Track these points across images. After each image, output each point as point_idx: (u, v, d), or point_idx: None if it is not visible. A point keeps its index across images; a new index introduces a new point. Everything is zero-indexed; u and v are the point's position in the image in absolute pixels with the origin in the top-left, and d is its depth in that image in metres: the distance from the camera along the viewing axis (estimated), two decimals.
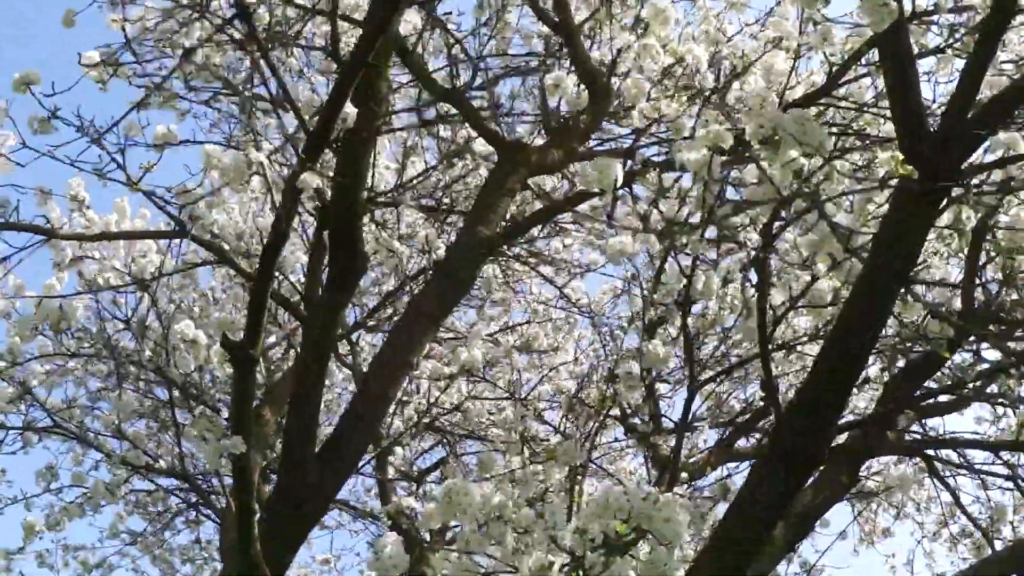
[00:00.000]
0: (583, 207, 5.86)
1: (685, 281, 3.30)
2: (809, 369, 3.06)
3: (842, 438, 5.06)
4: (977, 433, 6.09)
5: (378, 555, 2.47)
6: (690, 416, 4.09)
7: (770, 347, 3.01)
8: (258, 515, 3.62)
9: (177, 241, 4.68)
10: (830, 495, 4.57)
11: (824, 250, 2.90)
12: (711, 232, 2.97)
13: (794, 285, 3.34)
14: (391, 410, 7.08)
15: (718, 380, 5.16)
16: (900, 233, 2.82)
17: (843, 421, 3.96)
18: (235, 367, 3.31)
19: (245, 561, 3.51)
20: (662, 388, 5.63)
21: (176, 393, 6.08)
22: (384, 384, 4.27)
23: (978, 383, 5.42)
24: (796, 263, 3.23)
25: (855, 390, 4.52)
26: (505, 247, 6.32)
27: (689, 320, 3.49)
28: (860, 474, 6.40)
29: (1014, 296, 4.69)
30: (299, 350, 4.36)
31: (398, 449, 6.86)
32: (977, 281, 4.49)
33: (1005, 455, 5.78)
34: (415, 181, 6.19)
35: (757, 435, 5.75)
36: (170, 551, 8.66)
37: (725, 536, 2.94)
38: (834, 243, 2.77)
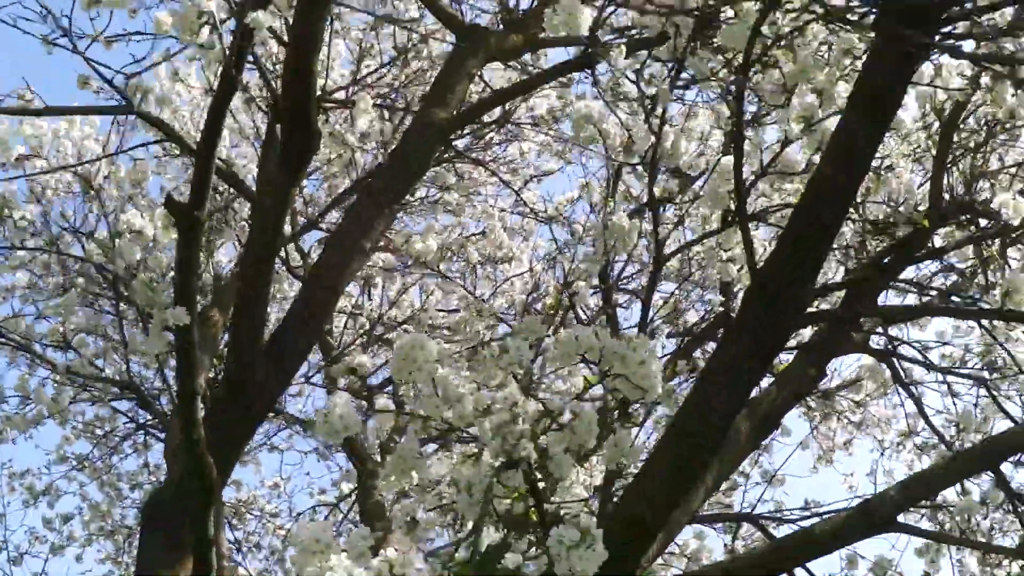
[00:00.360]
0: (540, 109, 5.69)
1: (653, 140, 3.10)
2: (777, 239, 2.88)
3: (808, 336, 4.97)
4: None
5: (327, 416, 2.29)
6: (649, 317, 3.94)
7: (744, 205, 2.81)
8: (203, 411, 3.47)
9: (123, 119, 4.50)
10: (796, 391, 4.45)
11: (804, 80, 2.73)
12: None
13: (765, 155, 3.17)
14: (342, 324, 6.91)
15: (685, 255, 5.00)
16: (876, 89, 2.65)
17: (810, 311, 3.82)
18: (180, 232, 3.11)
19: (189, 451, 3.33)
20: (620, 298, 5.48)
21: (122, 289, 5.85)
22: (335, 270, 4.09)
23: (944, 286, 5.36)
24: (774, 101, 3.03)
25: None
26: (462, 150, 6.15)
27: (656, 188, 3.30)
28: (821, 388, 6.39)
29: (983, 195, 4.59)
30: (247, 246, 4.17)
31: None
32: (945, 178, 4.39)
33: (973, 360, 5.73)
34: (370, 78, 5.97)
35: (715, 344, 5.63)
36: (118, 476, 8.49)
37: (682, 426, 2.75)
38: (818, 74, 2.59)
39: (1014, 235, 3.34)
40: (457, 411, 2.30)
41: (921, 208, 4.34)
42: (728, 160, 3.24)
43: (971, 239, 3.92)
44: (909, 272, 5.08)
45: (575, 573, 1.81)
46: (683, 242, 4.58)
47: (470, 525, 1.96)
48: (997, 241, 3.99)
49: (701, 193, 3.46)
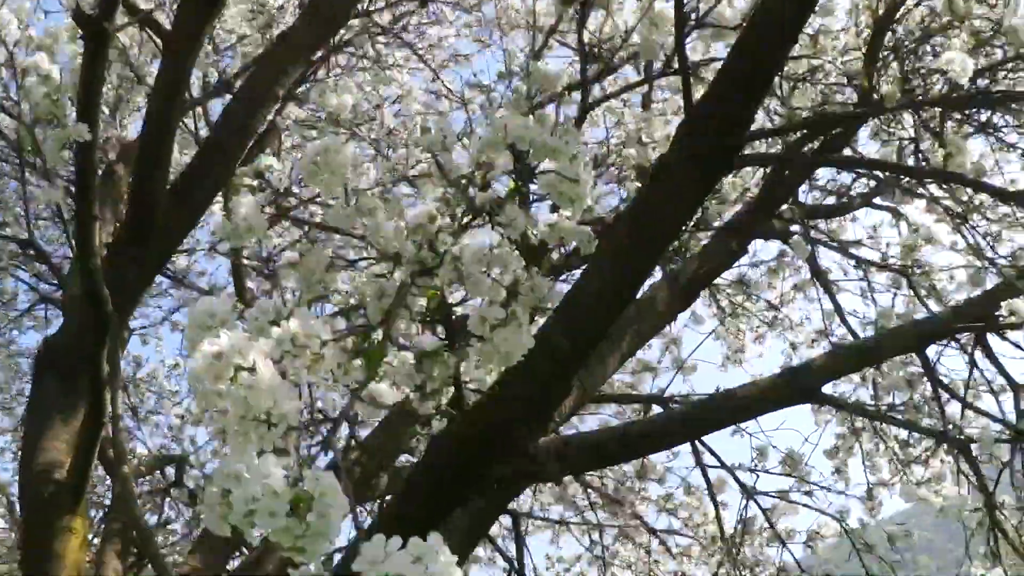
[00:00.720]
0: None
1: None
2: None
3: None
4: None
5: (230, 219, 2.13)
6: None
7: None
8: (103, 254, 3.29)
9: None
10: (718, 265, 4.39)
11: None
12: None
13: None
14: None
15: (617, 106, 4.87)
16: None
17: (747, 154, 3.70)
18: (86, 45, 2.90)
19: (84, 278, 3.14)
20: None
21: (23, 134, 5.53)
22: (246, 111, 3.89)
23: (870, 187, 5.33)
24: None
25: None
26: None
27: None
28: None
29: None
30: (154, 90, 3.94)
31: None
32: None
33: (893, 259, 5.73)
34: None
35: None
36: (19, 354, 8.24)
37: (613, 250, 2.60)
38: None
39: (954, 96, 3.24)
40: (371, 224, 2.16)
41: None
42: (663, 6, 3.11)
43: (911, 103, 3.81)
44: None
45: (501, 352, 1.71)
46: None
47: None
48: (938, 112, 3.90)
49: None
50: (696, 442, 5.77)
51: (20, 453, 3.83)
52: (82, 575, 3.53)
